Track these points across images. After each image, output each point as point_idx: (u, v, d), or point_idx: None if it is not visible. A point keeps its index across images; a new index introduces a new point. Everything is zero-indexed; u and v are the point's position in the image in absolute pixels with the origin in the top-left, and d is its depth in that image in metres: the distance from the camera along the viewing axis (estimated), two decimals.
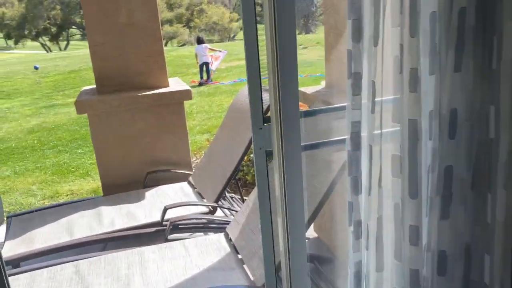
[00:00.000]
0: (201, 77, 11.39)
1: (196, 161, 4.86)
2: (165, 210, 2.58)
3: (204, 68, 11.29)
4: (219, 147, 3.14)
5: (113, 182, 3.28)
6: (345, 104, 1.59)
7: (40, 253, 2.38)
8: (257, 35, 1.33)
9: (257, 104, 1.40)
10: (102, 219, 2.74)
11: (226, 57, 12.64)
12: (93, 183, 4.44)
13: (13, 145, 6.30)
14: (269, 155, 1.44)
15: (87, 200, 3.21)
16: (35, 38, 43.54)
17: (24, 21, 40.66)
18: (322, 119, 1.72)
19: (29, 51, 42.26)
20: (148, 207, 2.91)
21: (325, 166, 1.83)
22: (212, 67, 11.68)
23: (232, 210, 2.81)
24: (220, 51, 11.96)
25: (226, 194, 3.20)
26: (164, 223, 2.58)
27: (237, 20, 47.58)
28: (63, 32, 43.97)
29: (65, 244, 2.42)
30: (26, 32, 42.03)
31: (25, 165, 5.22)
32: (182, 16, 42.70)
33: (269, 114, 1.44)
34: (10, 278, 2.10)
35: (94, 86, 3.34)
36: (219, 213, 2.83)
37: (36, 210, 3.00)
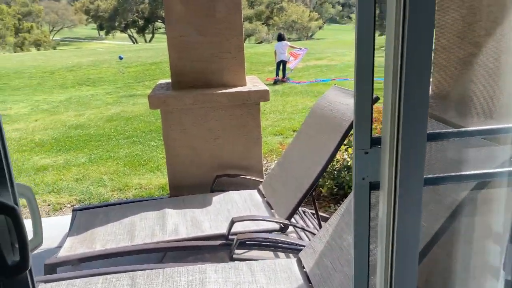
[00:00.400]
0: (277, 75, 11.15)
1: (266, 164, 4.60)
2: (232, 223, 2.32)
3: (281, 66, 11.02)
4: (295, 156, 2.82)
5: (180, 182, 3.11)
6: (487, 127, 1.20)
7: (99, 256, 2.24)
8: (374, 26, 0.99)
9: (364, 119, 1.06)
10: (165, 224, 2.55)
11: (304, 56, 12.26)
12: (162, 179, 4.35)
13: (92, 132, 6.50)
14: (374, 187, 1.10)
15: (152, 200, 3.06)
16: (124, 30, 46.51)
17: (116, 14, 43.54)
18: (442, 144, 1.34)
19: (118, 42, 45.15)
20: (214, 215, 2.68)
21: (436, 200, 1.44)
22: (291, 65, 11.34)
23: (306, 230, 2.48)
24: (300, 49, 11.57)
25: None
26: (230, 237, 2.33)
27: (317, 20, 46.88)
28: (149, 25, 46.45)
29: (125, 249, 2.26)
30: (116, 24, 45.02)
31: (99, 154, 5.31)
32: (262, 14, 42.98)
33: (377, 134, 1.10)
34: (65, 282, 1.96)
35: (169, 80, 3.19)
36: (290, 229, 2.52)
37: (101, 206, 2.91)
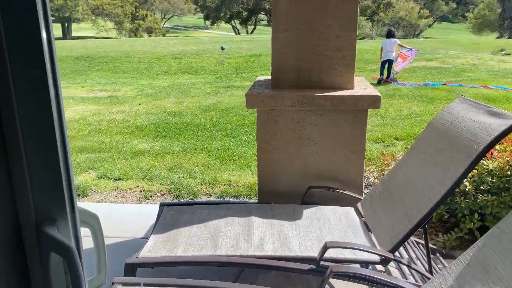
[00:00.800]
0: (381, 74, 10.43)
1: (365, 175, 4.19)
2: (325, 248, 2.03)
3: (386, 65, 10.29)
4: (406, 176, 2.42)
5: (270, 188, 2.89)
6: None
7: (179, 263, 2.11)
8: None
9: None
10: (251, 234, 2.34)
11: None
12: (250, 177, 4.19)
13: (188, 120, 6.61)
14: None
15: (240, 204, 2.89)
16: (228, 20, 48.07)
17: (222, 4, 45.08)
18: None
19: (221, 32, 46.83)
20: (304, 232, 2.40)
21: None
22: (397, 68, 10.46)
23: (413, 269, 2.10)
24: (410, 49, 10.61)
25: None
26: (321, 263, 2.04)
27: (427, 17, 43.72)
28: (252, 17, 47.38)
29: (206, 260, 2.10)
30: (222, 14, 46.67)
31: (193, 144, 5.33)
32: (367, 9, 41.27)
33: None
34: None
35: (269, 77, 2.96)
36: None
37: (188, 204, 2.80)
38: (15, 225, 0.69)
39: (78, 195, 3.94)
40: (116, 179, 4.26)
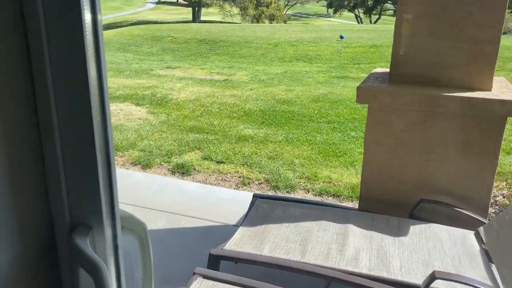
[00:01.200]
0: None
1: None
2: (433, 277, 1.71)
3: None
4: None
5: (374, 194, 2.59)
6: None
7: (263, 263, 1.97)
8: None
9: None
10: (345, 245, 2.10)
11: None
12: (354, 178, 3.88)
13: (296, 110, 6.44)
14: None
15: (338, 208, 2.64)
16: (351, 9, 46.53)
17: None
18: None
19: (343, 21, 45.58)
20: (408, 251, 2.08)
21: None
22: None
23: None
24: None
25: None
26: None
27: None
28: (378, 6, 45.12)
29: (291, 266, 1.92)
30: (345, 2, 45.35)
31: (297, 135, 5.16)
32: None
33: None
34: (221, 285, 1.74)
35: (387, 69, 2.63)
36: None
37: (282, 199, 2.65)
38: (49, 229, 0.58)
39: (182, 173, 4.06)
40: (219, 162, 4.29)
